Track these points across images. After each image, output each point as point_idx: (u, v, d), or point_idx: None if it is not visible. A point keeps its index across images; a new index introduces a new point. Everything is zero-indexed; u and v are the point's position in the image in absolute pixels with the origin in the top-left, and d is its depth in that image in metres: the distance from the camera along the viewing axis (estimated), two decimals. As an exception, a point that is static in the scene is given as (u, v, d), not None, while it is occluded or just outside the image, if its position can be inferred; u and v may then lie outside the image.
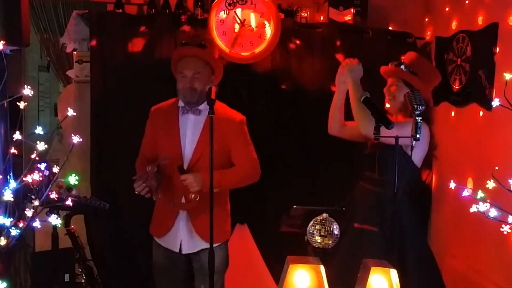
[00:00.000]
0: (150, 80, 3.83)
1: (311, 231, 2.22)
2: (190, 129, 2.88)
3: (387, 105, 3.07)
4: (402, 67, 3.00)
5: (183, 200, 2.87)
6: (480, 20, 3.41)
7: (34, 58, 5.84)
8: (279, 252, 3.06)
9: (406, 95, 2.68)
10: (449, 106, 3.79)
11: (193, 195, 2.75)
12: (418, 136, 2.54)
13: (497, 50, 3.22)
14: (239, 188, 3.02)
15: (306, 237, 2.27)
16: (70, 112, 2.10)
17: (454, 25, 3.76)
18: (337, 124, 3.15)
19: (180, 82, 2.87)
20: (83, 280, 3.15)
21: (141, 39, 3.89)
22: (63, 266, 3.05)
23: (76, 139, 2.02)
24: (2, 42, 2.03)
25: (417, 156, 2.83)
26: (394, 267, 2.20)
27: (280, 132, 3.94)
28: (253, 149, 2.94)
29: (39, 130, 2.11)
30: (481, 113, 3.39)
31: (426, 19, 4.21)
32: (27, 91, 2.00)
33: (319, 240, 2.20)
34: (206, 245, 2.73)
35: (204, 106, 2.87)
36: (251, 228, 3.92)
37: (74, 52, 4.12)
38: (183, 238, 2.89)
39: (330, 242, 2.22)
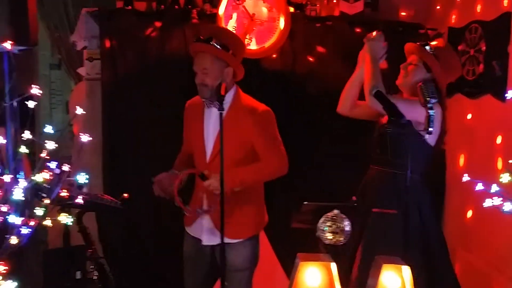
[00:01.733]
0: (160, 76, 3.83)
1: (322, 228, 2.19)
2: (213, 123, 2.80)
3: (398, 81, 2.99)
4: (427, 47, 2.93)
5: (205, 206, 2.85)
6: (492, 10, 3.35)
7: (46, 56, 5.89)
8: (291, 248, 3.04)
9: (419, 87, 2.65)
10: (463, 98, 3.73)
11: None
12: (430, 129, 2.51)
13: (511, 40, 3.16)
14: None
15: (317, 233, 2.25)
16: (79, 111, 2.09)
17: (466, 15, 3.71)
18: (349, 103, 3.06)
19: (195, 78, 2.81)
20: (95, 277, 3.16)
21: (151, 36, 3.88)
22: (75, 263, 3.06)
23: (85, 138, 2.01)
24: (10, 42, 2.03)
25: (431, 136, 2.75)
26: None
27: (292, 126, 3.89)
28: (279, 142, 2.82)
29: (48, 129, 2.11)
30: (495, 104, 3.34)
31: (438, 8, 4.15)
32: (35, 90, 2.00)
33: (330, 237, 2.17)
34: (227, 240, 2.69)
35: (226, 100, 2.74)
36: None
37: (85, 50, 4.12)
38: (205, 230, 2.88)
39: (342, 238, 2.19)
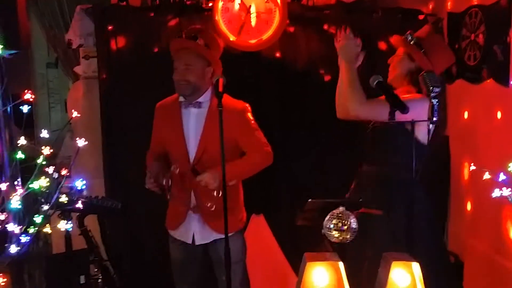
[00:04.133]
0: (158, 72, 3.76)
1: (328, 226, 2.14)
2: (193, 123, 2.86)
3: (389, 78, 2.87)
4: (409, 38, 2.79)
5: (193, 202, 2.88)
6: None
7: (42, 55, 5.83)
8: (296, 244, 3.00)
9: (421, 76, 2.58)
10: (465, 83, 3.68)
11: (215, 193, 2.76)
12: (434, 119, 2.44)
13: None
14: (252, 180, 2.98)
15: (323, 231, 2.20)
16: (75, 114, 2.05)
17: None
18: (341, 109, 2.86)
19: (174, 75, 2.86)
20: (99, 281, 3.13)
21: (147, 31, 3.82)
22: (79, 267, 3.03)
23: (81, 142, 1.97)
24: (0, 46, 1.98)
25: (420, 132, 2.65)
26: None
27: (291, 120, 3.84)
28: (260, 134, 2.90)
29: (44, 134, 2.07)
30: (498, 89, 3.28)
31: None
32: (28, 95, 1.96)
33: (336, 235, 2.12)
34: (219, 236, 2.81)
35: (203, 98, 2.85)
36: (266, 219, 3.86)
37: (80, 48, 4.07)
38: (195, 229, 2.91)
39: (348, 236, 2.14)
